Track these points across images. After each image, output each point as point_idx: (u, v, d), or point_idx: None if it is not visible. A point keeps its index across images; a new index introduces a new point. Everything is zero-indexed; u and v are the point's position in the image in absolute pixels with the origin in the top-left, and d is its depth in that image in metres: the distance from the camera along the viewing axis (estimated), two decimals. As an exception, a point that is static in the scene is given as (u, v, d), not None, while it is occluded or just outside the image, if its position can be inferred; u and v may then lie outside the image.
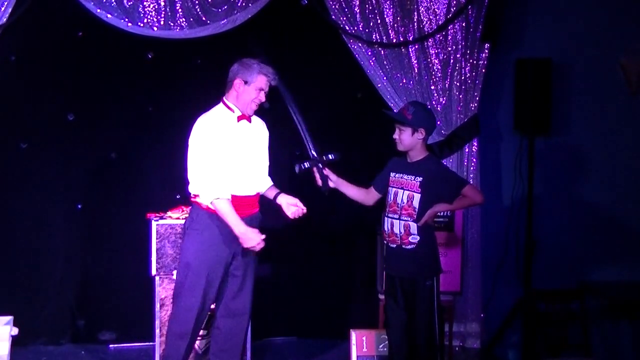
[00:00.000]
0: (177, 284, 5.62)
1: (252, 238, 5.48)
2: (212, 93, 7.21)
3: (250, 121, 5.65)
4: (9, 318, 6.60)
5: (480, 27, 7.17)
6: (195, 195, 5.56)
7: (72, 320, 7.14)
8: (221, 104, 5.66)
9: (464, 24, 7.19)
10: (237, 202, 5.51)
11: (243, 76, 5.54)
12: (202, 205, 5.51)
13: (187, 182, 5.64)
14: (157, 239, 6.31)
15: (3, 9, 6.49)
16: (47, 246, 7.03)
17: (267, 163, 5.86)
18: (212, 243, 5.53)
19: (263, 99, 5.59)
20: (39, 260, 7.02)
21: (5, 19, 6.52)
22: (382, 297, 6.81)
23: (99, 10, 6.60)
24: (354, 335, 6.54)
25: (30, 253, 7.00)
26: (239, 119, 5.59)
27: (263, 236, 5.54)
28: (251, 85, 5.53)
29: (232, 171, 5.50)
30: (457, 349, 7.20)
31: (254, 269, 5.81)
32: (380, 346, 6.54)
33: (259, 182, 5.80)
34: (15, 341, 6.50)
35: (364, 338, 6.59)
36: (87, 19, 6.66)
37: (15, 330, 6.50)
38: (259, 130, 5.75)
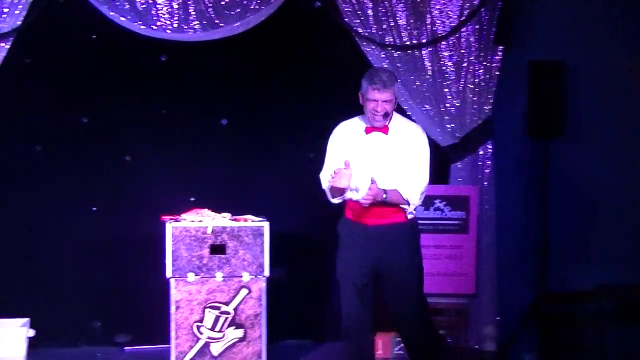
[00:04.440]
0: None
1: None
2: (225, 95, 7.30)
3: (386, 132, 5.48)
4: (26, 320, 6.66)
5: (494, 29, 7.17)
6: None
7: (87, 323, 7.17)
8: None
9: (477, 27, 7.20)
10: (359, 209, 5.45)
11: (361, 88, 5.49)
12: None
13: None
14: (172, 241, 6.31)
15: (17, 12, 6.53)
16: (63, 248, 7.05)
17: (411, 175, 5.47)
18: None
19: (378, 109, 5.37)
20: (55, 262, 7.04)
21: (19, 22, 6.56)
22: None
23: (112, 13, 6.64)
24: (369, 338, 6.51)
25: (46, 255, 7.02)
26: (368, 130, 5.50)
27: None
28: (365, 97, 5.44)
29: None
30: (473, 351, 7.17)
31: None
32: (396, 349, 6.53)
33: None
34: (31, 343, 6.55)
35: (380, 341, 6.58)
36: (100, 22, 6.72)
37: (31, 332, 6.54)
38: (397, 143, 5.50)
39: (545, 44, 7.45)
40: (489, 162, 7.28)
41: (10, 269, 6.99)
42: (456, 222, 6.88)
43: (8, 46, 6.57)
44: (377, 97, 5.36)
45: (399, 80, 7.05)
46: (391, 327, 6.71)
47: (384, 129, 5.48)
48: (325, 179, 5.50)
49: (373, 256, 5.46)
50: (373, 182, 5.24)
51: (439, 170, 7.24)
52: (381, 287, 5.56)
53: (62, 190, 7.03)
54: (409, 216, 5.49)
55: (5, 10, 6.50)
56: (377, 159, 5.45)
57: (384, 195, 5.31)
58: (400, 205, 5.42)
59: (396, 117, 5.58)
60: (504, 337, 7.30)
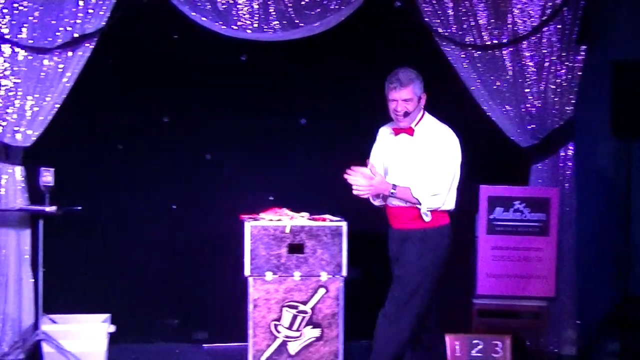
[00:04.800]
0: None
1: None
2: (304, 95, 7.32)
3: (411, 134, 5.54)
4: (107, 316, 6.78)
5: (576, 28, 7.05)
6: None
7: (166, 319, 7.27)
8: None
9: (559, 26, 7.09)
10: (388, 211, 5.68)
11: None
12: None
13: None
14: (250, 240, 6.34)
15: (102, 13, 6.65)
16: (142, 246, 7.15)
17: (427, 175, 5.45)
18: None
19: (398, 109, 5.44)
20: (135, 259, 7.15)
21: (103, 23, 6.66)
22: (475, 301, 6.76)
23: (193, 14, 6.71)
24: (447, 339, 6.46)
25: (126, 252, 7.13)
26: (397, 132, 5.60)
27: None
28: (387, 98, 5.53)
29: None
30: (552, 355, 7.07)
31: None
32: (474, 351, 6.46)
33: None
34: (112, 338, 6.66)
35: (457, 342, 6.51)
36: (182, 22, 6.78)
37: (112, 328, 6.65)
38: (420, 145, 5.51)
39: (628, 43, 7.32)
40: (570, 164, 7.17)
41: (92, 266, 7.12)
42: (536, 224, 6.79)
43: (92, 46, 6.70)
44: (395, 97, 5.44)
45: (477, 81, 7.03)
46: (468, 328, 6.71)
47: (409, 131, 5.54)
48: None
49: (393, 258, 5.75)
50: (374, 172, 5.40)
51: (519, 171, 7.18)
52: None
53: (143, 188, 7.13)
54: (428, 219, 5.49)
55: (90, 11, 6.63)
56: (400, 160, 5.54)
57: (392, 191, 5.42)
58: (416, 206, 5.46)
59: (427, 118, 5.61)
60: (584, 341, 7.19)
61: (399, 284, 5.58)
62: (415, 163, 5.48)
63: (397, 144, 5.58)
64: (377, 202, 5.64)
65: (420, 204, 5.43)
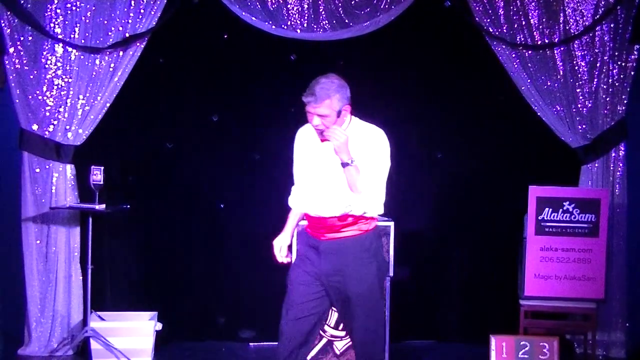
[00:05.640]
0: None
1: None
2: (353, 94, 7.29)
3: None
4: (154, 313, 6.84)
5: (630, 27, 6.96)
6: None
7: (213, 317, 7.31)
8: None
9: (612, 25, 7.00)
10: (311, 221, 5.04)
11: None
12: None
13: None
14: (297, 240, 6.34)
15: (153, 13, 6.72)
16: (190, 244, 7.20)
17: (372, 184, 4.88)
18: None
19: (314, 124, 4.76)
20: (183, 257, 7.19)
21: (154, 23, 6.71)
22: (522, 302, 6.72)
23: (244, 14, 6.75)
24: (493, 340, 6.44)
25: (174, 250, 7.18)
26: (322, 138, 4.84)
27: (282, 258, 5.13)
28: None
29: (305, 188, 5.08)
30: (600, 357, 7.01)
31: None
32: (520, 352, 6.43)
33: (337, 204, 4.89)
34: (159, 336, 6.72)
35: (504, 344, 6.49)
36: (232, 22, 6.82)
37: (159, 326, 6.72)
38: (353, 149, 4.80)
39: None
40: (622, 164, 7.09)
41: (140, 264, 7.19)
42: (586, 225, 6.73)
43: (143, 46, 6.76)
44: (310, 110, 4.76)
45: (528, 81, 6.96)
46: (514, 329, 6.68)
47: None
48: (295, 185, 5.22)
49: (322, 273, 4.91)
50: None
51: (569, 172, 7.12)
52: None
53: (191, 187, 7.17)
54: (366, 227, 4.91)
55: (141, 11, 6.70)
56: (331, 168, 4.84)
57: (352, 159, 4.70)
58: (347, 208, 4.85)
59: (355, 122, 4.95)
60: (633, 344, 7.13)
61: (361, 308, 4.86)
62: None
63: (325, 151, 4.87)
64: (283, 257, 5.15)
65: (358, 198, 4.80)
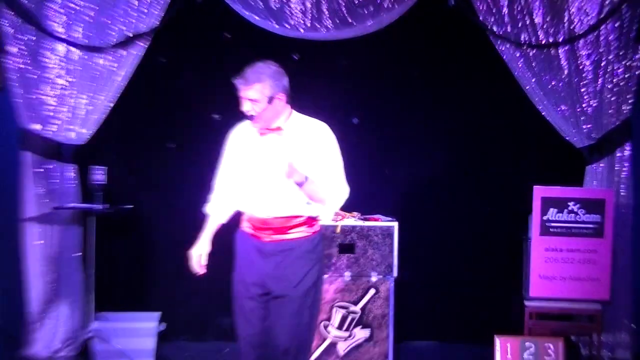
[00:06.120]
0: None
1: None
2: (357, 94, 7.29)
3: (279, 133, 4.82)
4: (157, 314, 6.82)
5: (635, 27, 6.92)
6: None
7: (216, 318, 7.29)
8: None
9: (617, 24, 6.96)
10: (253, 223, 5.00)
11: None
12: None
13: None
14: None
15: (156, 12, 6.71)
16: (193, 244, 7.15)
17: (332, 176, 4.92)
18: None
19: (244, 109, 4.76)
20: (185, 258, 7.14)
21: (157, 23, 6.70)
22: (527, 303, 6.69)
23: (247, 13, 6.72)
24: (498, 341, 6.41)
25: (177, 251, 7.12)
26: (262, 132, 4.84)
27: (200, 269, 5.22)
28: None
29: (239, 186, 5.03)
30: (606, 359, 6.98)
31: None
32: (525, 353, 6.40)
33: (282, 203, 4.87)
34: (161, 336, 6.71)
35: (508, 345, 6.46)
36: (234, 21, 6.80)
37: (162, 326, 6.71)
38: (293, 144, 4.80)
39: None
40: (627, 164, 7.04)
41: (143, 264, 7.18)
42: (591, 225, 6.70)
43: (146, 45, 6.75)
44: (241, 94, 4.73)
45: (533, 80, 6.92)
46: (519, 330, 6.65)
47: (277, 129, 4.81)
48: (215, 191, 5.18)
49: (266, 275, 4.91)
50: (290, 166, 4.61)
51: (574, 172, 7.09)
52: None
53: (193, 187, 7.11)
54: (312, 229, 4.92)
55: (144, 11, 6.68)
56: (271, 164, 4.78)
57: (305, 179, 4.67)
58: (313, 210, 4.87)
59: (295, 115, 4.93)
60: (639, 346, 7.08)
61: (291, 309, 4.84)
62: (298, 164, 4.71)
63: (265, 145, 4.83)
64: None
65: (326, 204, 4.85)
